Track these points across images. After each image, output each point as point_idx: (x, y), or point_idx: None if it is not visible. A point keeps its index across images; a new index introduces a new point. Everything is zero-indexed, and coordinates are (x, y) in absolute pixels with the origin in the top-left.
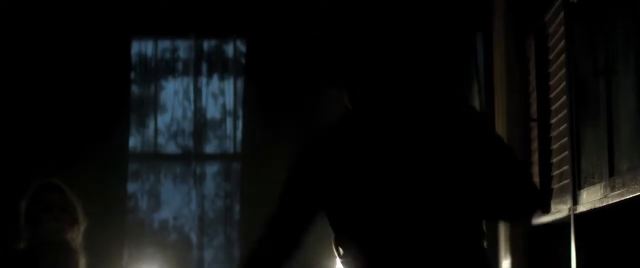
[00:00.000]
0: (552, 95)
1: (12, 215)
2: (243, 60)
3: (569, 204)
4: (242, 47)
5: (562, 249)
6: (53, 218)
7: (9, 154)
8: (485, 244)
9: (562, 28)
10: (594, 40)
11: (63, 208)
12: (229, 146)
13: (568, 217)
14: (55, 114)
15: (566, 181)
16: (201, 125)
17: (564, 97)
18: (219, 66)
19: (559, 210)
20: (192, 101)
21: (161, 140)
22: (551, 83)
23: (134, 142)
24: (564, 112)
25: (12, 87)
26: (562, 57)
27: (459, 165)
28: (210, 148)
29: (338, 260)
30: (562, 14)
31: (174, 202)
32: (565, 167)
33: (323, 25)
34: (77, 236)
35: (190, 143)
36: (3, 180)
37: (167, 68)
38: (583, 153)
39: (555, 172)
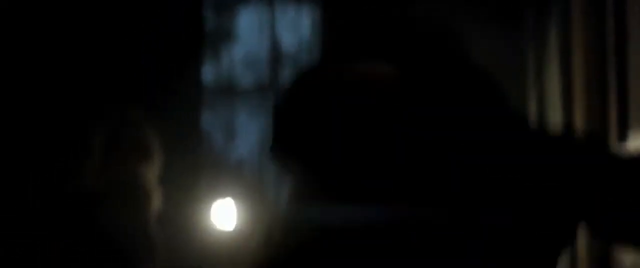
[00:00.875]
0: (629, 28)
1: (83, 151)
2: None
3: None
4: None
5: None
6: (126, 155)
7: (81, 88)
8: None
9: None
10: None
11: (137, 144)
12: None
13: None
14: (128, 46)
15: None
16: (277, 57)
17: None
18: None
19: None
20: (268, 32)
21: (236, 72)
22: (628, 14)
23: (207, 74)
24: None
25: (84, 18)
26: None
27: None
28: (287, 80)
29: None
30: None
31: (249, 136)
32: None
33: None
34: (151, 173)
35: (266, 75)
36: (75, 114)
37: None
38: None
39: (633, 107)
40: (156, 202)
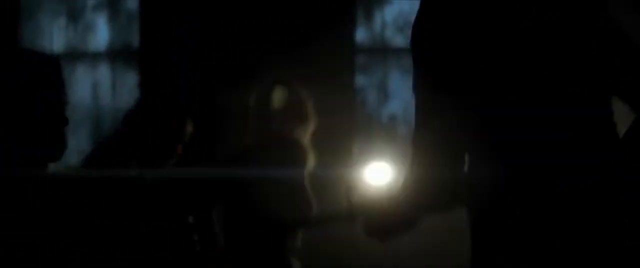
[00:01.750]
0: None
1: (241, 112)
2: None
3: None
4: None
5: None
6: (282, 116)
7: (237, 50)
8: None
9: None
10: None
11: (292, 105)
12: None
13: None
14: (282, 8)
15: None
16: None
17: None
18: None
19: None
20: None
21: (388, 33)
22: None
23: (361, 35)
24: None
25: None
26: None
27: None
28: None
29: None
30: None
31: (402, 95)
32: None
33: None
34: (306, 133)
35: None
36: (233, 76)
37: None
38: None
39: None
40: (311, 161)
